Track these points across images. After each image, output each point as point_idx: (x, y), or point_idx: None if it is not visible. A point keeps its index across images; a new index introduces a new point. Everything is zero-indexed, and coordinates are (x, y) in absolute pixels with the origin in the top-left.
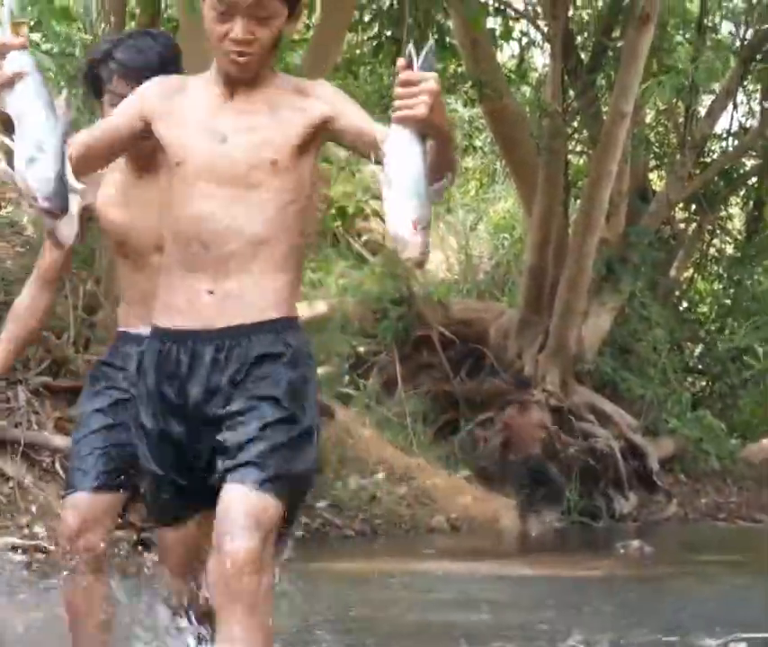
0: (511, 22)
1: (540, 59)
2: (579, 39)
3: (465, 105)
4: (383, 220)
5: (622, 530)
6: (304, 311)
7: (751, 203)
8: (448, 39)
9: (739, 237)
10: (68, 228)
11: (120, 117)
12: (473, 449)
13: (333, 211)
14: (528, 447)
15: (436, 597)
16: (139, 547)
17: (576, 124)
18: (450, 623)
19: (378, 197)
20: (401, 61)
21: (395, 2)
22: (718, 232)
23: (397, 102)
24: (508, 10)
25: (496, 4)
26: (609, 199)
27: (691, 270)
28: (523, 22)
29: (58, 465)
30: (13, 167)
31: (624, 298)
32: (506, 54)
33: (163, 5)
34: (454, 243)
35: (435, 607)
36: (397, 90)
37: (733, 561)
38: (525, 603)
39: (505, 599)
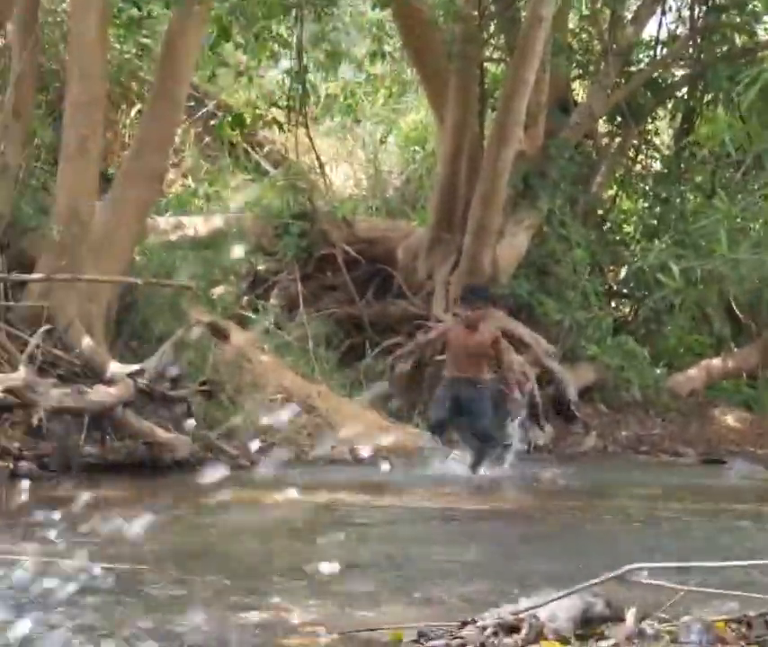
0: None
1: None
2: None
3: (373, 8)
4: (284, 130)
5: (537, 462)
6: (199, 225)
7: (679, 116)
8: None
9: (667, 152)
10: None
11: None
12: (379, 376)
13: (229, 119)
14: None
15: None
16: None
17: (491, 29)
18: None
19: (279, 106)
20: None
21: None
22: (644, 146)
23: None
24: None
25: None
26: (527, 109)
27: (614, 188)
28: None
29: None
30: None
31: (542, 216)
32: None
33: None
34: (362, 156)
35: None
36: None
37: (648, 494)
38: (411, 536)
39: (385, 533)
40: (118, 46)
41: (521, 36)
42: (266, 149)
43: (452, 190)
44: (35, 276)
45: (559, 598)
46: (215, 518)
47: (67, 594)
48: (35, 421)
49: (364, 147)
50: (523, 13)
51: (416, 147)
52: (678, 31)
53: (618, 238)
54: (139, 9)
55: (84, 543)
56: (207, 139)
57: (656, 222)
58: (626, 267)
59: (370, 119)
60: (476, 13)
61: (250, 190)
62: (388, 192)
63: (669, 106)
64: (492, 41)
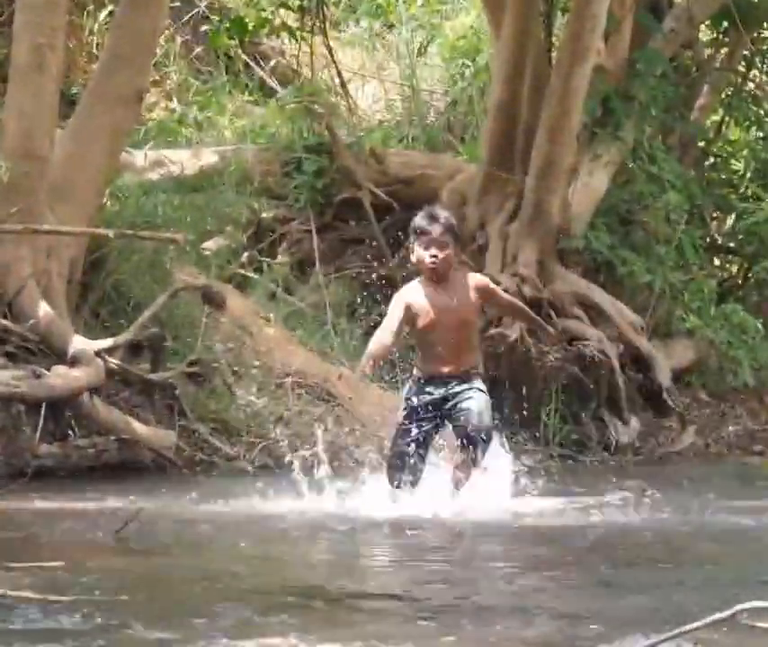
0: None
1: None
2: None
3: None
4: (296, 37)
5: (619, 467)
6: (187, 161)
7: None
8: None
9: None
10: None
11: None
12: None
13: (227, 25)
14: (495, 351)
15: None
16: None
17: None
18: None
19: (290, 6)
20: None
21: None
22: (758, 60)
23: None
24: None
25: None
26: (608, 12)
27: (720, 112)
28: None
29: None
30: None
31: (627, 150)
32: None
33: None
34: (396, 71)
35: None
36: None
37: (762, 508)
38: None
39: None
40: None
41: None
42: (273, 63)
43: (511, 116)
44: None
45: (651, 646)
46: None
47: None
48: None
49: (398, 60)
50: None
51: (465, 60)
52: None
53: (724, 178)
54: None
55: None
56: (197, 50)
57: None
58: (734, 215)
59: (405, 24)
60: None
61: (252, 115)
62: (428, 118)
63: None
64: None
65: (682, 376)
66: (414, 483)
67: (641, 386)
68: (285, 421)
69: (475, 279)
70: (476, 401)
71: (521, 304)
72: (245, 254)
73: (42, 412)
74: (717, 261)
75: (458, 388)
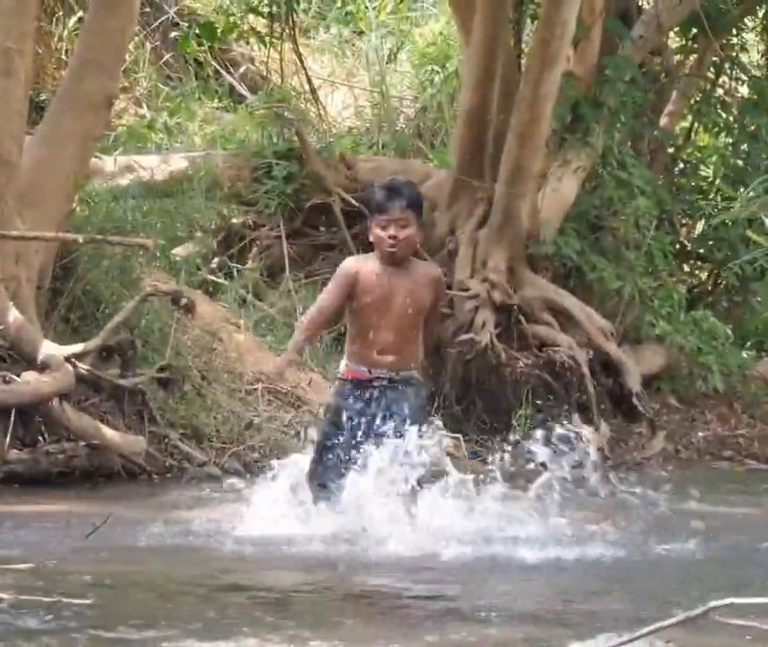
0: None
1: None
2: None
3: None
4: (265, 44)
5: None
6: (156, 167)
7: None
8: None
9: (756, 73)
10: None
11: None
12: None
13: (196, 30)
14: (463, 358)
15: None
16: None
17: None
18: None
19: (260, 13)
20: None
21: None
22: (727, 66)
23: None
24: None
25: None
26: (577, 18)
27: (689, 119)
28: None
29: None
30: None
31: (596, 156)
32: None
33: None
34: (365, 78)
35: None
36: None
37: (733, 514)
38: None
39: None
40: None
41: None
42: (243, 69)
43: (481, 122)
44: None
45: (622, 643)
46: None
47: None
48: None
49: (368, 67)
50: None
51: (435, 67)
52: None
53: (693, 184)
54: None
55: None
56: (167, 56)
57: (741, 163)
58: (703, 221)
59: (375, 31)
60: None
61: (222, 121)
62: (398, 124)
63: (760, 13)
64: None
65: (651, 382)
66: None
67: (611, 392)
68: (256, 427)
69: (436, 271)
70: (410, 413)
71: (435, 330)
72: (215, 260)
73: (12, 418)
74: (686, 267)
75: (390, 395)
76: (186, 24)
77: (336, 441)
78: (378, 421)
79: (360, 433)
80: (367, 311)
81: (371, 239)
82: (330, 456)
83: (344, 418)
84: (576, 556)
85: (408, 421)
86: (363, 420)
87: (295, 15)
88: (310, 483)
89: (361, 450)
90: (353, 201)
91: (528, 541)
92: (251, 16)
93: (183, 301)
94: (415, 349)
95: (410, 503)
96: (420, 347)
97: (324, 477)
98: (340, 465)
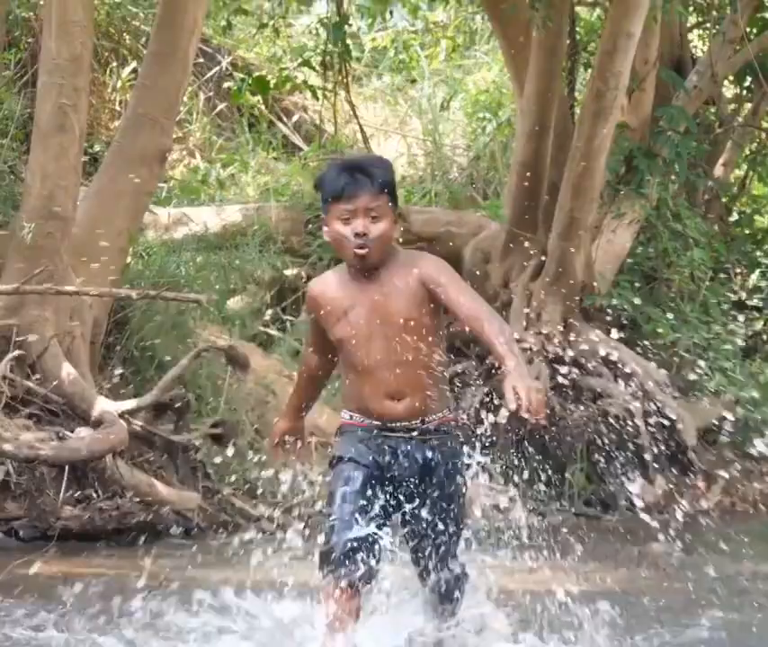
0: None
1: None
2: None
3: None
4: (316, 96)
5: (644, 526)
6: (210, 219)
7: None
8: None
9: None
10: None
11: None
12: None
13: (249, 82)
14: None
15: None
16: None
17: None
18: None
19: (312, 66)
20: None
21: None
22: None
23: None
24: None
25: None
26: (631, 69)
27: (744, 168)
28: None
29: None
30: None
31: (650, 207)
32: None
33: None
34: (418, 126)
35: None
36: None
37: None
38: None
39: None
40: None
41: None
42: (296, 118)
43: (535, 173)
44: (0, 287)
45: None
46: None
47: None
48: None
49: (421, 115)
50: None
51: (488, 115)
52: None
53: (748, 234)
54: None
55: None
56: (220, 107)
57: None
58: (758, 271)
59: (428, 79)
60: None
61: (275, 172)
62: (451, 174)
63: None
64: None
65: (707, 435)
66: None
67: (666, 445)
68: (309, 481)
69: (422, 262)
70: (449, 508)
71: (487, 312)
72: (269, 312)
73: (65, 474)
74: (742, 318)
75: (413, 463)
76: (240, 77)
77: (355, 498)
78: (404, 504)
79: (379, 495)
80: (346, 347)
81: (328, 239)
82: (348, 506)
83: (358, 460)
84: None
85: (447, 523)
86: (381, 477)
87: (348, 65)
88: (324, 569)
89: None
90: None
91: None
92: (304, 68)
93: (238, 358)
94: (427, 382)
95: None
96: (442, 378)
97: (342, 550)
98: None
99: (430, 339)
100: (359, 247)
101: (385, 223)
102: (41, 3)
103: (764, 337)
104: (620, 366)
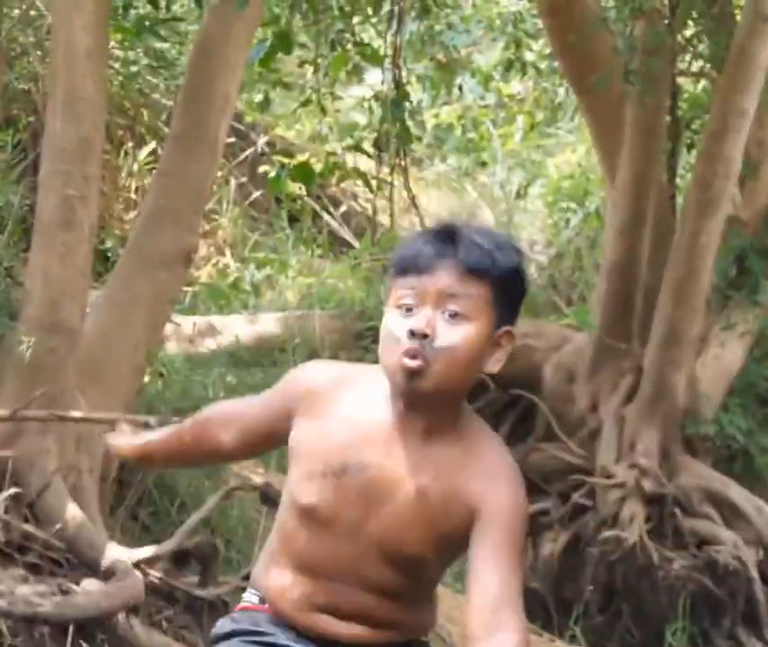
0: None
1: None
2: None
3: None
4: (370, 188)
5: None
6: (243, 329)
7: None
8: None
9: None
10: None
11: None
12: None
13: (288, 169)
14: (607, 558)
15: None
16: None
17: (690, 31)
18: None
19: (364, 151)
20: None
21: None
22: None
23: None
24: None
25: None
26: (744, 153)
27: None
28: None
29: None
30: None
31: (766, 317)
32: None
33: None
34: (490, 217)
35: None
36: None
37: None
38: None
39: None
40: (121, 53)
41: (735, 43)
42: (344, 209)
43: (629, 275)
44: None
45: None
46: None
47: None
48: None
49: (493, 204)
50: (738, 9)
51: (572, 205)
52: None
53: None
54: (156, 7)
55: None
56: (255, 194)
57: None
58: None
59: (501, 162)
60: (666, 3)
61: (320, 273)
62: (528, 275)
63: None
64: (690, 48)
65: None
66: None
67: None
68: None
69: (493, 483)
70: None
71: (512, 613)
72: None
73: (70, 635)
74: None
75: None
76: (278, 160)
77: None
78: None
79: None
80: (303, 510)
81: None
82: None
83: None
84: None
85: None
86: None
87: (407, 146)
88: None
89: None
90: None
91: None
92: (356, 155)
93: (274, 496)
94: (411, 605)
95: None
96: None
97: None
98: None
99: (428, 581)
100: (410, 355)
101: (471, 330)
102: (44, 73)
103: None
104: (729, 506)
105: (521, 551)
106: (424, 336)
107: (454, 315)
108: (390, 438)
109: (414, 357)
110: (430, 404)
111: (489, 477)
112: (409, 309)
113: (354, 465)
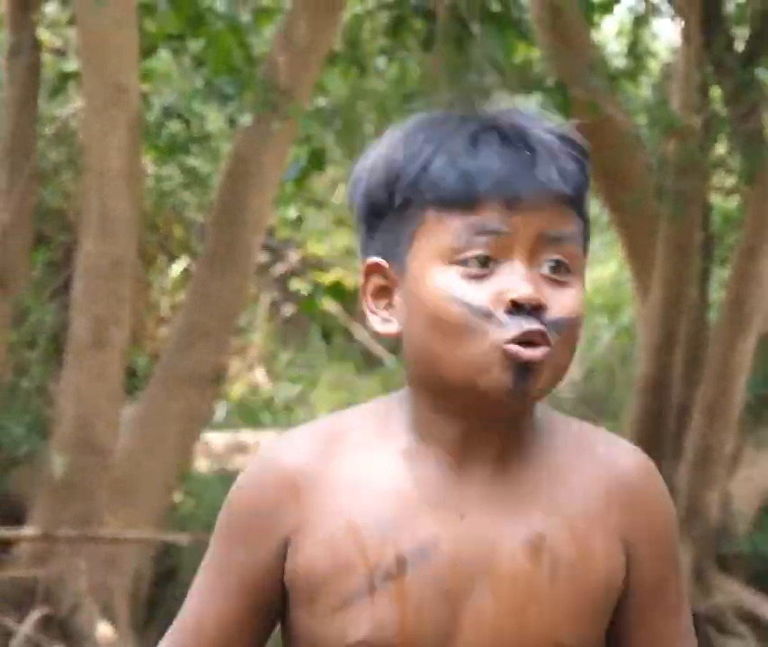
0: None
1: (665, 40)
2: (730, 7)
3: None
4: None
5: None
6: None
7: None
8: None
9: None
10: None
11: None
12: None
13: (322, 286)
14: None
15: None
16: None
17: (722, 146)
18: None
19: None
20: None
21: None
22: None
23: None
24: None
25: None
26: None
27: None
28: None
29: None
30: None
31: None
32: (608, 33)
33: None
34: None
35: None
36: None
37: None
38: None
39: None
40: (154, 168)
41: (767, 159)
42: None
43: (661, 392)
44: (24, 532)
45: None
46: None
47: None
48: None
49: None
50: None
51: (603, 320)
52: None
53: None
54: (188, 124)
55: None
56: (287, 312)
57: None
58: None
59: None
60: (699, 122)
61: (353, 388)
62: (561, 391)
63: None
64: (723, 165)
65: None
66: None
67: None
68: None
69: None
70: None
71: None
72: None
73: None
74: None
75: None
76: (311, 280)
77: None
78: None
79: None
80: (350, 627)
81: (381, 327)
82: None
83: None
84: None
85: None
86: None
87: None
88: None
89: None
90: None
91: None
92: None
93: None
94: None
95: None
96: None
97: None
98: None
99: None
100: (527, 340)
101: (579, 289)
102: (77, 191)
103: None
104: (763, 624)
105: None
106: (538, 308)
107: (557, 268)
108: (447, 488)
109: (533, 343)
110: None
111: (622, 484)
112: (484, 264)
113: (413, 553)
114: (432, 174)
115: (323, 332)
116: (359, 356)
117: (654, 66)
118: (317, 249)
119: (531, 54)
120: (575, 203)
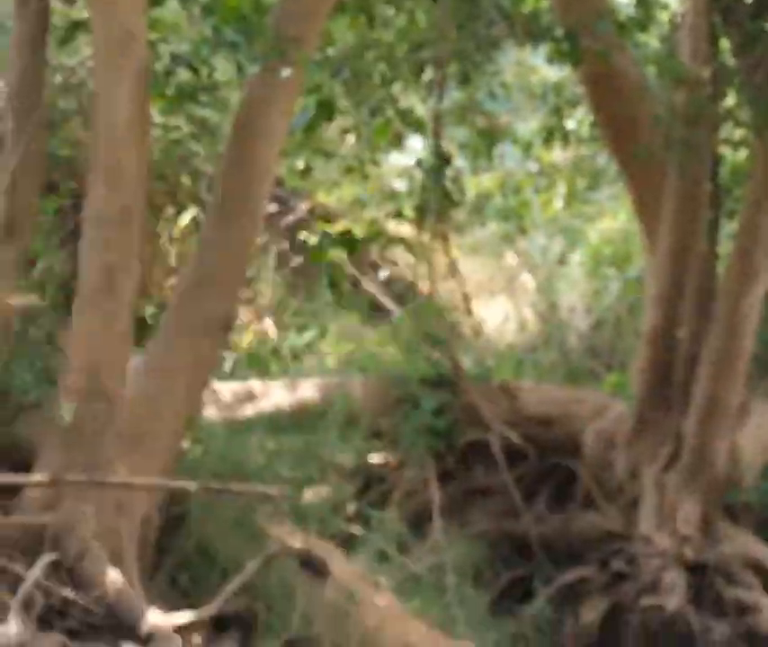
0: None
1: None
2: None
3: (550, 62)
4: (414, 255)
5: None
6: (283, 396)
7: None
8: None
9: None
10: None
11: None
12: (556, 629)
13: (331, 235)
14: (647, 626)
15: None
16: None
17: (731, 98)
18: None
19: (404, 216)
20: None
21: None
22: None
23: None
24: None
25: None
26: None
27: None
28: None
29: None
30: None
31: None
32: None
33: None
34: (530, 284)
35: None
36: None
37: None
38: None
39: None
40: (162, 119)
41: None
42: (385, 275)
43: (669, 344)
44: (33, 478)
45: None
46: None
47: None
48: None
49: (533, 271)
50: None
51: (612, 271)
52: None
53: None
54: (196, 73)
55: None
56: (295, 262)
57: None
58: None
59: (542, 228)
60: (707, 73)
61: (360, 339)
62: (568, 342)
63: None
64: (731, 115)
65: None
66: None
67: None
68: None
69: None
70: None
71: None
72: (352, 507)
73: None
74: None
75: None
76: (320, 229)
77: None
78: None
79: None
80: None
81: None
82: None
83: None
84: None
85: None
86: None
87: (448, 213)
88: None
89: None
90: (516, 438)
91: None
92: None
93: (315, 564)
94: None
95: None
96: None
97: None
98: None
99: None
100: None
101: None
102: (86, 140)
103: None
104: None
105: None
106: None
107: None
108: None
109: None
110: None
111: None
112: None
113: None
114: None
115: (331, 281)
116: (366, 306)
117: (663, 16)
118: (326, 199)
119: (540, 3)
120: None
